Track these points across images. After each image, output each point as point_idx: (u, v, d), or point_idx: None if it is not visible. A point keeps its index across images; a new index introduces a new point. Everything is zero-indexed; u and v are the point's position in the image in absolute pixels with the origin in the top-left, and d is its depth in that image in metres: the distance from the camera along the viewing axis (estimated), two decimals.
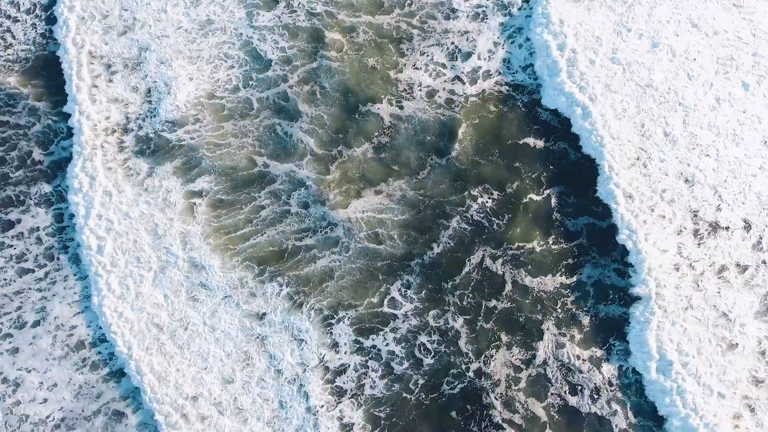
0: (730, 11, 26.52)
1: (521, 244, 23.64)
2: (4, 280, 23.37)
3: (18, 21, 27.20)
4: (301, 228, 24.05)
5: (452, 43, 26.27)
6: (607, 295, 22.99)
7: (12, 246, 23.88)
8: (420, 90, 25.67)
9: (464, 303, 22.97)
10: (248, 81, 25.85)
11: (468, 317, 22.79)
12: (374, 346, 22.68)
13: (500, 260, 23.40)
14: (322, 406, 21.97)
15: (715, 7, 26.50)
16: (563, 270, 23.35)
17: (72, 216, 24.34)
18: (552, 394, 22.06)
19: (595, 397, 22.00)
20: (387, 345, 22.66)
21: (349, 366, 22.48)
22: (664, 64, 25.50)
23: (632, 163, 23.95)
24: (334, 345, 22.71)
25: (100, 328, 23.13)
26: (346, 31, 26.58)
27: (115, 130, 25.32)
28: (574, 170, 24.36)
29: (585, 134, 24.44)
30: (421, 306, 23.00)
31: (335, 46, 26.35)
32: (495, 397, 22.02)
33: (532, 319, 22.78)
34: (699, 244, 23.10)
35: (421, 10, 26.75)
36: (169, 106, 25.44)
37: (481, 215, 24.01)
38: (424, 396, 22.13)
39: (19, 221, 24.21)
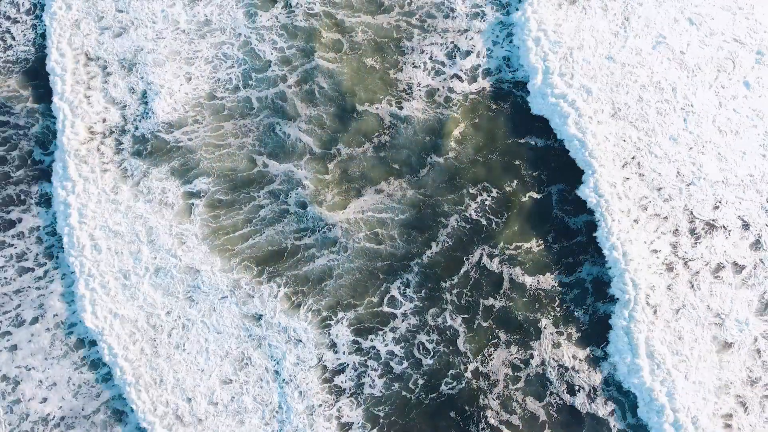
0: (730, 11, 26.53)
1: (519, 243, 23.82)
2: (5, 279, 23.57)
3: (18, 22, 27.46)
4: (300, 228, 24.24)
5: (451, 42, 26.45)
6: (606, 294, 23.10)
7: (13, 245, 24.10)
8: (419, 89, 25.80)
9: (462, 302, 23.17)
10: (247, 81, 26.07)
11: (466, 316, 23.00)
12: (373, 347, 22.84)
13: (498, 259, 23.53)
14: (320, 406, 22.12)
15: (714, 7, 26.50)
16: (562, 268, 23.41)
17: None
18: (550, 393, 22.26)
19: (593, 396, 22.08)
20: (386, 345, 22.80)
21: (347, 366, 22.62)
22: (661, 63, 25.53)
23: (626, 162, 23.99)
24: (333, 344, 22.86)
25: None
26: (346, 31, 26.73)
27: (113, 131, 25.52)
28: (573, 168, 24.44)
29: (567, 138, 24.64)
30: (421, 305, 23.18)
31: (335, 47, 26.50)
32: (493, 398, 22.19)
33: (530, 318, 22.98)
34: (695, 243, 23.17)
35: (421, 9, 26.88)
36: (166, 107, 25.63)
37: (480, 214, 24.17)
38: (423, 396, 22.29)
39: (20, 220, 24.45)
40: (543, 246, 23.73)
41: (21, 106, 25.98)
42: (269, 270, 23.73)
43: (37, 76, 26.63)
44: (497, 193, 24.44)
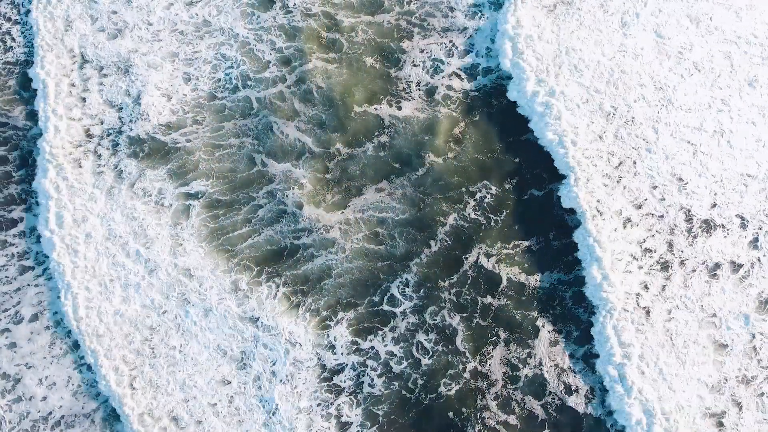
0: (729, 11, 26.63)
1: (518, 242, 23.95)
2: (6, 278, 23.79)
3: (19, 23, 27.68)
4: (298, 228, 24.37)
5: (450, 41, 26.60)
6: None
7: (14, 244, 24.32)
8: (419, 88, 25.95)
9: (461, 300, 23.33)
10: (246, 82, 26.25)
11: (464, 315, 23.17)
12: (372, 347, 22.94)
13: (495, 258, 23.62)
14: (319, 405, 22.20)
15: (712, 6, 26.58)
16: (561, 266, 23.60)
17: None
18: (549, 393, 22.36)
19: (590, 396, 22.12)
20: (385, 345, 22.91)
21: (346, 365, 22.71)
22: (659, 63, 25.62)
23: (621, 162, 24.09)
24: (332, 344, 22.96)
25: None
26: (345, 31, 26.88)
27: (110, 133, 25.63)
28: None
29: (545, 141, 24.86)
30: (420, 304, 23.31)
31: (335, 47, 26.65)
32: (491, 397, 22.31)
33: (528, 316, 23.02)
34: (692, 242, 23.26)
35: (421, 9, 27.04)
36: (162, 109, 25.79)
37: (479, 212, 24.35)
38: (423, 395, 22.38)
39: (21, 219, 24.66)
40: (543, 244, 23.87)
41: (21, 108, 26.24)
42: (268, 270, 23.84)
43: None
44: (497, 190, 24.58)
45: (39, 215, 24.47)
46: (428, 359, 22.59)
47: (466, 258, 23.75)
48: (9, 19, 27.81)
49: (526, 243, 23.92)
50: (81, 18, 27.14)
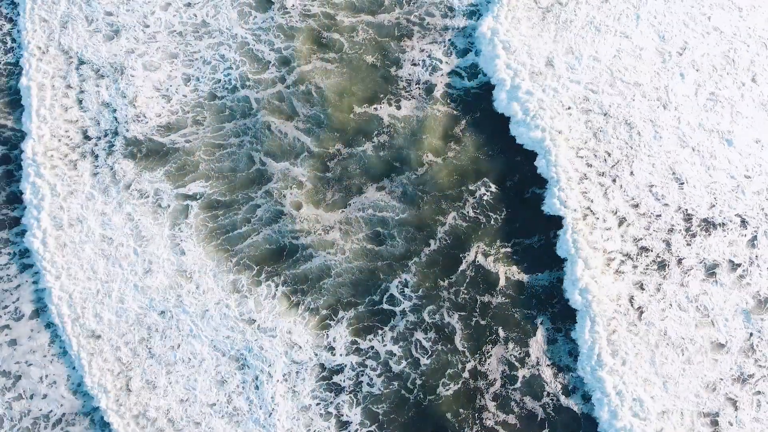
0: (729, 11, 26.76)
1: (517, 240, 24.10)
2: (7, 275, 23.98)
3: (18, 25, 27.91)
4: (296, 228, 24.53)
5: (449, 40, 26.80)
6: None
7: (16, 243, 24.49)
8: (419, 87, 26.13)
9: (459, 299, 23.52)
10: (245, 83, 26.46)
11: (463, 314, 23.34)
12: (372, 347, 23.05)
13: (494, 256, 23.72)
14: (318, 404, 22.30)
15: (710, 5, 26.72)
16: (560, 264, 23.76)
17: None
18: (547, 393, 22.47)
19: (588, 396, 22.21)
20: (384, 345, 23.02)
21: (346, 365, 22.81)
22: (656, 62, 25.73)
23: (616, 161, 24.24)
24: (331, 343, 23.06)
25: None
26: (346, 31, 27.07)
27: (106, 134, 25.74)
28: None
29: (537, 150, 24.98)
30: (419, 303, 23.46)
31: (335, 47, 26.87)
32: (490, 397, 22.45)
33: (527, 314, 23.10)
34: (690, 241, 23.36)
35: (420, 8, 27.25)
36: (161, 110, 25.99)
37: (478, 210, 24.51)
38: (422, 395, 22.50)
39: (22, 218, 24.83)
40: (543, 242, 24.11)
41: (21, 109, 26.40)
42: (267, 269, 23.97)
43: None
44: (497, 188, 24.77)
45: (24, 218, 24.62)
46: (427, 359, 22.73)
47: (465, 257, 23.93)
48: (11, 20, 28.08)
49: (527, 241, 24.11)
50: (76, 19, 27.33)
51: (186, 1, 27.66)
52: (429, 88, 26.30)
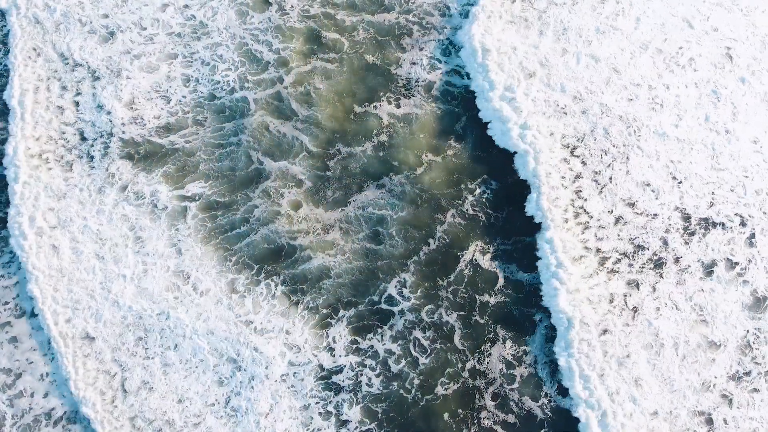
0: (728, 10, 26.92)
1: (517, 238, 24.32)
2: (8, 273, 24.07)
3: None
4: (293, 229, 24.70)
5: (448, 39, 27.02)
6: None
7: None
8: (418, 85, 26.36)
9: (458, 298, 23.72)
10: (243, 84, 26.69)
11: (462, 313, 23.53)
12: (371, 346, 23.18)
13: (491, 254, 23.88)
14: (318, 403, 22.39)
15: (708, 4, 26.89)
16: None
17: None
18: (545, 394, 22.61)
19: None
20: (383, 344, 23.15)
21: (345, 365, 22.92)
22: (653, 61, 25.88)
23: (611, 161, 24.48)
24: (331, 343, 23.19)
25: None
26: (346, 30, 27.30)
27: (102, 135, 25.86)
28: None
29: (518, 148, 25.12)
30: (418, 302, 23.63)
31: (335, 47, 27.10)
32: (489, 397, 22.58)
33: (525, 313, 23.26)
34: (687, 240, 23.54)
35: (419, 8, 27.51)
36: (159, 111, 26.20)
37: (477, 208, 24.76)
38: (420, 395, 22.64)
39: None
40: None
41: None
42: (266, 269, 24.11)
43: None
44: (497, 186, 24.95)
45: (7, 219, 24.72)
46: (426, 358, 22.89)
47: (463, 255, 24.16)
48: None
49: (527, 239, 24.31)
50: (71, 21, 27.56)
51: (184, 3, 27.93)
52: (428, 87, 26.54)
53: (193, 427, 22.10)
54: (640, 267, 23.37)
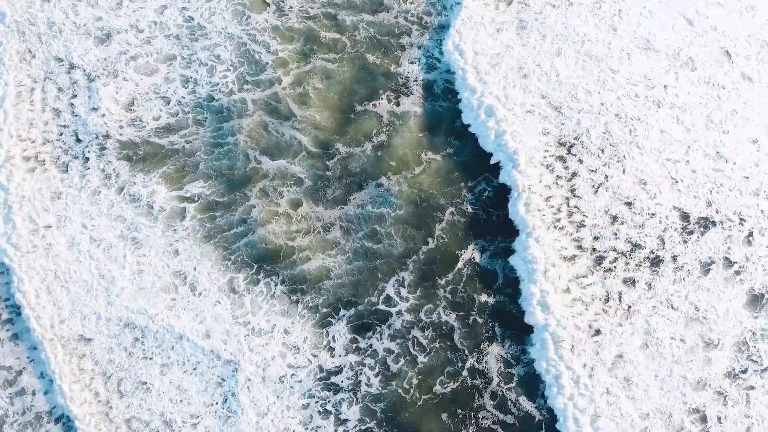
0: (728, 9, 27.08)
1: (517, 237, 24.27)
2: (8, 270, 24.21)
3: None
4: (292, 229, 24.87)
5: (445, 38, 27.17)
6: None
7: None
8: (417, 84, 26.60)
9: (457, 298, 23.87)
10: (242, 84, 26.86)
11: (461, 313, 23.69)
12: (370, 345, 23.31)
13: (490, 253, 24.15)
14: (317, 403, 22.52)
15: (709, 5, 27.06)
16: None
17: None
18: (542, 395, 22.67)
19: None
20: (382, 343, 23.29)
21: (345, 365, 23.04)
22: (651, 60, 26.02)
23: (608, 159, 24.63)
24: (330, 342, 23.31)
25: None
26: (347, 30, 27.52)
27: (97, 136, 25.97)
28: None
29: (496, 153, 25.18)
30: (417, 302, 23.79)
31: (336, 47, 27.41)
32: (488, 396, 22.71)
33: (524, 312, 23.38)
34: (685, 240, 23.63)
35: (418, 8, 27.72)
36: (158, 112, 26.36)
37: (477, 206, 24.96)
38: (418, 395, 22.77)
39: None
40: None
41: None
42: (266, 268, 24.27)
43: None
44: (498, 184, 25.16)
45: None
46: (425, 357, 23.04)
47: (462, 254, 24.33)
48: None
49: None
50: (66, 23, 27.70)
51: (181, 5, 28.17)
52: (428, 85, 26.74)
53: (191, 428, 22.25)
54: (636, 265, 23.49)
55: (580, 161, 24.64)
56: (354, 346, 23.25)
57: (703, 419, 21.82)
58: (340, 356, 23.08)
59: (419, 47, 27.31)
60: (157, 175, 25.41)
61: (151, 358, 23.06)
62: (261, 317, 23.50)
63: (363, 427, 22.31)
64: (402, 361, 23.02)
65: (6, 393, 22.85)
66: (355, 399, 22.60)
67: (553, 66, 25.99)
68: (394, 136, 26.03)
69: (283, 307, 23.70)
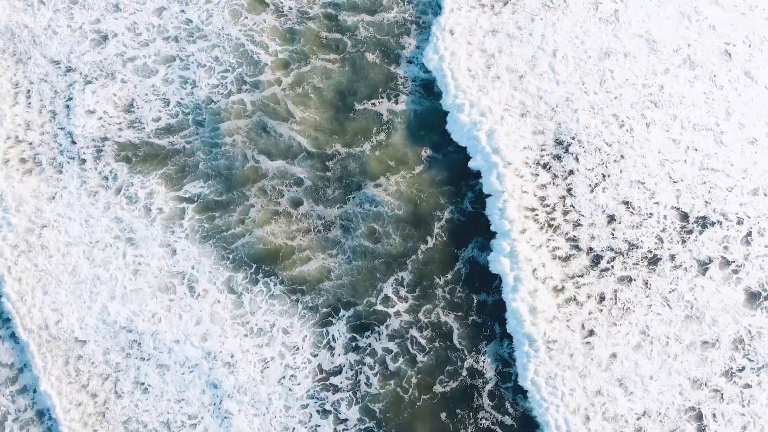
0: (726, 9, 27.11)
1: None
2: None
3: None
4: (291, 229, 24.99)
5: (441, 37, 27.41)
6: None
7: None
8: (416, 83, 26.73)
9: (455, 297, 24.01)
10: (241, 85, 26.92)
11: (460, 313, 23.82)
12: (369, 344, 23.42)
13: (489, 252, 24.30)
14: (316, 402, 22.67)
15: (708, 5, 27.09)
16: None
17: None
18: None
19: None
20: (381, 343, 23.40)
21: (344, 365, 23.15)
22: (649, 60, 26.06)
23: (605, 159, 24.81)
24: (330, 342, 23.42)
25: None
26: (349, 30, 27.58)
27: (94, 139, 26.10)
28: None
29: (483, 166, 25.19)
30: (416, 302, 23.93)
31: (337, 47, 27.66)
32: (486, 395, 22.86)
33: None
34: (684, 239, 23.73)
35: (416, 8, 27.81)
36: (156, 112, 26.44)
37: (476, 205, 25.09)
38: (417, 394, 22.89)
39: None
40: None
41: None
42: (265, 268, 24.40)
43: None
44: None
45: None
46: (424, 356, 23.17)
47: (461, 253, 24.47)
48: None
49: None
50: (61, 26, 27.79)
51: (179, 7, 28.26)
52: (427, 85, 26.86)
53: (190, 429, 22.39)
54: (633, 264, 23.62)
55: (577, 160, 24.70)
56: (353, 344, 23.39)
57: (699, 417, 21.98)
58: (339, 356, 23.20)
59: (418, 47, 27.46)
60: (157, 175, 25.53)
61: (148, 360, 23.15)
62: (260, 317, 23.57)
63: (362, 427, 22.48)
64: (401, 360, 23.16)
65: (8, 391, 23.01)
66: (354, 398, 22.76)
67: (552, 66, 26.08)
68: (394, 135, 26.17)
69: (283, 307, 23.81)
